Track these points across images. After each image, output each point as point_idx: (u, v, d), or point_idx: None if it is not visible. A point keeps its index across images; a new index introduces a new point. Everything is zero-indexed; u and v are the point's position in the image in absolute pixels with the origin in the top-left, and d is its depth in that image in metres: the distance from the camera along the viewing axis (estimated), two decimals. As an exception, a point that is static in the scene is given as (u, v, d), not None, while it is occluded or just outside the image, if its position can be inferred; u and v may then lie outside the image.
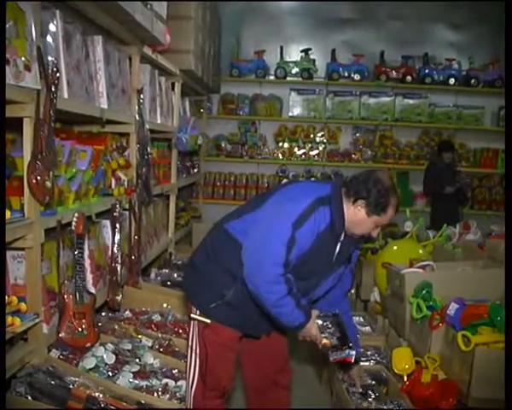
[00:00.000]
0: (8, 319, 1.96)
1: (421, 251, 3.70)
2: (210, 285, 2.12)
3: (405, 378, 2.66)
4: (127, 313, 3.07)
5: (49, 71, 2.06)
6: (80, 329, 2.41)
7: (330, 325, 2.14)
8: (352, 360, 2.16)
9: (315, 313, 2.13)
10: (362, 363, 3.03)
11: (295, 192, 2.07)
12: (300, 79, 6.66)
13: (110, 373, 2.41)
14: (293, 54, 6.76)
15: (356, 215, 2.03)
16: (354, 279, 2.45)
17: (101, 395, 2.17)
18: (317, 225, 1.98)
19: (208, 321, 2.11)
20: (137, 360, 2.57)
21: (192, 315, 2.15)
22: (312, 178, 6.63)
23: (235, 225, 2.10)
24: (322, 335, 2.10)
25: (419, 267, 3.08)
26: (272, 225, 1.96)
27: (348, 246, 2.14)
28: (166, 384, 2.44)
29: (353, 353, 2.10)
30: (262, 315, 2.10)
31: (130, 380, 2.39)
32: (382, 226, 2.14)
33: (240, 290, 2.04)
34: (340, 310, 2.24)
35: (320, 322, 2.14)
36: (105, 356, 2.46)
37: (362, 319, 3.63)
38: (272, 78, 6.75)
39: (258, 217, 2.03)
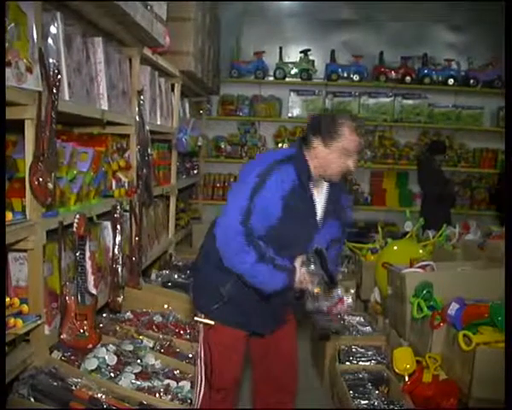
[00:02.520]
0: (11, 321, 1.96)
1: (421, 251, 3.71)
2: (209, 286, 2.12)
3: (406, 378, 2.66)
4: (128, 314, 3.07)
5: (51, 73, 2.05)
6: (82, 330, 2.41)
7: (313, 267, 2.01)
8: (345, 301, 2.09)
9: (298, 261, 2.03)
10: (362, 364, 3.06)
11: (252, 163, 2.09)
12: (300, 79, 6.66)
13: (112, 374, 2.41)
14: (293, 55, 6.75)
15: (319, 154, 1.99)
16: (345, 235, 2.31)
17: (103, 396, 2.17)
18: (281, 187, 1.94)
19: (212, 323, 2.11)
20: (139, 361, 2.57)
21: (196, 318, 2.16)
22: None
23: (218, 221, 2.07)
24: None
25: (419, 267, 3.08)
26: (231, 199, 2.00)
27: (334, 197, 2.11)
28: (168, 385, 2.45)
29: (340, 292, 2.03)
30: (264, 308, 2.10)
31: (132, 381, 2.39)
32: (354, 158, 1.99)
33: (234, 284, 2.04)
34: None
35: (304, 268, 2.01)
36: (107, 357, 2.47)
37: (362, 319, 3.63)
38: (272, 79, 6.75)
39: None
